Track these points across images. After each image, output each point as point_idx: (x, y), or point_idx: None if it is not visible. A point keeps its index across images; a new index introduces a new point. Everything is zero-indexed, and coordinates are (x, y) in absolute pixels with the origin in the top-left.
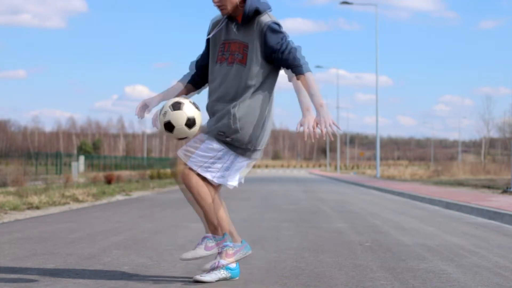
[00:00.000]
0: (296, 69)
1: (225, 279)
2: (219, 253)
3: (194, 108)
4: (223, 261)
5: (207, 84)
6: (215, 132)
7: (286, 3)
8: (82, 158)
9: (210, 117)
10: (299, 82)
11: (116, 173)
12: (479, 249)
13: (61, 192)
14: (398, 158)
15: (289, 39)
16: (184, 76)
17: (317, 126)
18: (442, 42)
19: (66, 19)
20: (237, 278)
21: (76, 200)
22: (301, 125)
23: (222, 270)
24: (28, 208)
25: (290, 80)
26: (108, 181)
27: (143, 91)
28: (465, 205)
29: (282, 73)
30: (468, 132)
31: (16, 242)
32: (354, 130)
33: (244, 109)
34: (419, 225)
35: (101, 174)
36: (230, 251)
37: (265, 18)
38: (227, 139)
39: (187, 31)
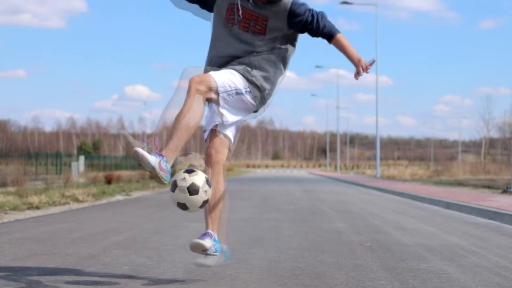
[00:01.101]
0: (334, 30)
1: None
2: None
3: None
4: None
5: None
6: (240, 67)
7: None
8: (82, 158)
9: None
10: (339, 40)
11: (116, 173)
12: (479, 249)
13: (61, 192)
14: (398, 158)
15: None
16: None
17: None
18: (442, 42)
19: (66, 19)
20: (229, 261)
21: (76, 200)
22: (359, 73)
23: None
24: (28, 208)
25: (330, 42)
26: (108, 181)
27: (143, 91)
28: (465, 205)
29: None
30: (468, 132)
31: (16, 242)
32: (354, 130)
33: (261, 61)
34: (419, 225)
35: (101, 174)
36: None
37: None
38: (249, 74)
39: (187, 31)
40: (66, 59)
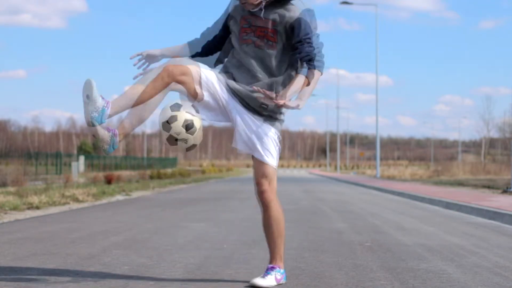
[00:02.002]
0: (309, 66)
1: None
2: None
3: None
4: (272, 282)
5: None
6: (257, 105)
7: None
8: (82, 158)
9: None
10: (300, 77)
11: (116, 173)
12: (479, 249)
13: (61, 192)
14: (398, 158)
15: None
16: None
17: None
18: (442, 42)
19: (66, 19)
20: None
21: (76, 200)
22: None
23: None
24: (28, 208)
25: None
26: (108, 181)
27: None
28: (465, 205)
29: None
30: (468, 132)
31: (16, 242)
32: (354, 130)
33: (281, 81)
34: (419, 225)
35: (101, 174)
36: (279, 276)
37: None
38: (266, 109)
39: (188, 31)
40: (66, 59)
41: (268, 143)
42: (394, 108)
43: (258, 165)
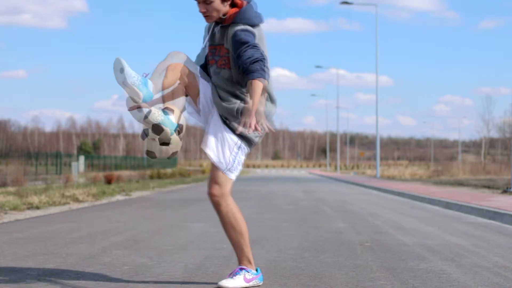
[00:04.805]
0: (248, 77)
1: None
2: (235, 274)
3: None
4: (241, 282)
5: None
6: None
7: (286, 3)
8: (82, 158)
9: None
10: (252, 85)
11: (116, 173)
12: (479, 249)
13: (61, 192)
14: (398, 158)
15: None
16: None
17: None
18: (442, 42)
19: (67, 19)
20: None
21: (76, 200)
22: (242, 124)
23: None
24: (28, 208)
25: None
26: (108, 181)
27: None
28: (465, 205)
29: (283, 73)
30: (468, 132)
31: (16, 242)
32: (354, 130)
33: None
34: (419, 225)
35: (101, 174)
36: (249, 276)
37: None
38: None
39: (187, 31)
40: (66, 59)
41: (226, 152)
42: (394, 108)
43: (213, 168)
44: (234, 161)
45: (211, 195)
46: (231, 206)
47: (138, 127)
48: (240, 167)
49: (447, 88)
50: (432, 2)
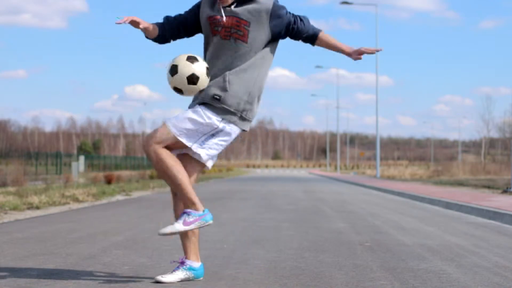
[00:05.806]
0: (316, 29)
1: (188, 279)
2: (178, 219)
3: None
4: (178, 226)
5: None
6: (209, 97)
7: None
8: (82, 158)
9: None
10: (323, 38)
11: (116, 173)
12: (479, 249)
13: (61, 192)
14: (398, 158)
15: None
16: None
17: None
18: (442, 42)
19: (67, 19)
20: (201, 278)
21: (76, 200)
22: (359, 54)
23: (185, 271)
24: (28, 208)
25: (314, 43)
26: (108, 181)
27: (143, 91)
28: (465, 205)
29: (283, 73)
30: (468, 132)
31: (16, 242)
32: (354, 130)
33: (237, 75)
34: (419, 225)
35: (101, 174)
36: (190, 219)
37: None
38: (218, 99)
39: None
40: (66, 59)
41: (182, 118)
42: (394, 108)
43: (162, 125)
44: (186, 127)
45: (142, 146)
46: (160, 154)
47: (138, 127)
48: (184, 130)
49: (447, 88)
50: (432, 2)
